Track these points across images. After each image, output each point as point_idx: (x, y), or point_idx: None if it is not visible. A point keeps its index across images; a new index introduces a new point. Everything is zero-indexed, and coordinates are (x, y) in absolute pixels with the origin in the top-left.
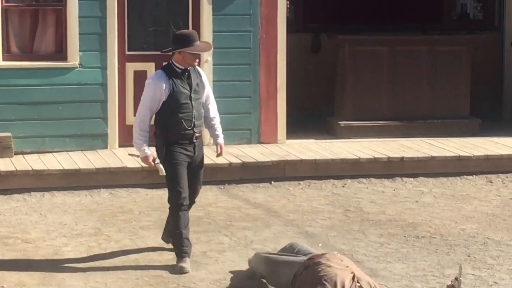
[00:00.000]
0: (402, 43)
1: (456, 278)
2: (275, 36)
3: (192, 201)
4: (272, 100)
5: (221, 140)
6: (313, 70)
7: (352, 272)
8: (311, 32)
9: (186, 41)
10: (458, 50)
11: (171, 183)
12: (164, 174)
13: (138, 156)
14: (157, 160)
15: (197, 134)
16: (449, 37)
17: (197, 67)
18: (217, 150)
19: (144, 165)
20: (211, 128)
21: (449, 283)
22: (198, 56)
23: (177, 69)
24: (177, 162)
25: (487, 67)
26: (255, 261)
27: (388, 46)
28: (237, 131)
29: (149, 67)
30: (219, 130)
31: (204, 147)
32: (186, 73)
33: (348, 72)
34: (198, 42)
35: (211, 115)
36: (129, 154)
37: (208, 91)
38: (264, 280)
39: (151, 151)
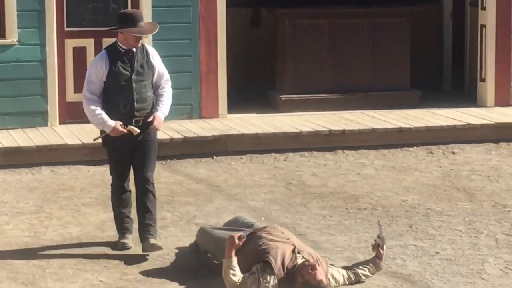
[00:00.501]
0: (342, 15)
1: (378, 236)
2: (215, 11)
3: (143, 188)
4: (213, 75)
5: (158, 113)
6: (253, 44)
7: (293, 244)
8: (251, 6)
9: (129, 22)
10: (398, 22)
11: (110, 166)
12: (139, 131)
13: (103, 135)
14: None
15: (137, 118)
16: (388, 9)
17: (148, 47)
18: (153, 123)
19: (85, 141)
20: (155, 104)
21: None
22: (140, 38)
23: (121, 49)
24: (113, 148)
25: (427, 39)
26: (198, 235)
27: (328, 19)
28: (178, 106)
29: (89, 44)
30: (160, 106)
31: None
32: (130, 54)
33: (289, 46)
34: (142, 23)
35: (159, 93)
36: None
37: (161, 71)
38: (209, 255)
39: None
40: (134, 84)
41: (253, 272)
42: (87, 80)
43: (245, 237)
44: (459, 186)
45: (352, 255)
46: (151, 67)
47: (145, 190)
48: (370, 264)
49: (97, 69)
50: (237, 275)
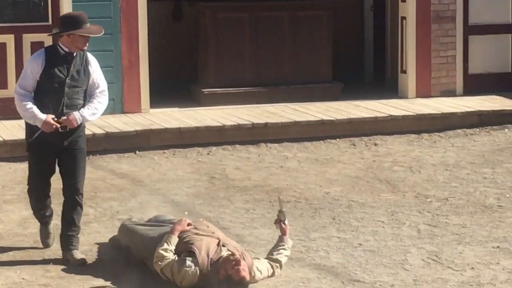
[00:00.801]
0: (263, 9)
1: (279, 211)
2: (136, 5)
3: (71, 198)
4: (135, 69)
5: (76, 112)
6: (175, 38)
7: (218, 238)
8: (172, 0)
9: (75, 23)
10: (319, 15)
11: (30, 170)
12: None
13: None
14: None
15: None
16: (309, 2)
17: (88, 54)
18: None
19: (6, 138)
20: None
21: (285, 226)
22: (88, 39)
23: (61, 51)
24: (38, 151)
25: (348, 32)
26: (121, 231)
27: (249, 12)
28: None
29: (9, 40)
30: (84, 108)
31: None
32: (69, 58)
33: (210, 40)
34: (88, 25)
35: (90, 101)
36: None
37: (96, 81)
38: (132, 251)
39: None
40: (66, 88)
41: (178, 259)
42: (22, 75)
43: (193, 226)
44: (382, 178)
45: None
46: (87, 75)
47: (74, 202)
48: (281, 244)
49: (32, 67)
50: (169, 252)
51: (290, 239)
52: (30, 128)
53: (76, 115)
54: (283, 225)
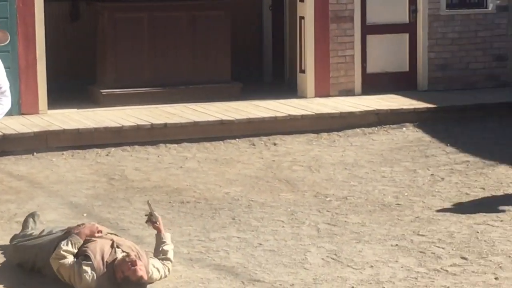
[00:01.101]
0: (161, 9)
1: (150, 214)
2: (32, 5)
3: None
4: (32, 70)
5: None
6: (73, 38)
7: (111, 240)
8: (69, 0)
9: None
10: (217, 15)
11: None
12: None
13: None
14: None
15: None
16: (207, 2)
17: None
18: None
19: None
20: None
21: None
22: None
23: None
24: None
25: (247, 31)
26: (12, 252)
27: (147, 12)
28: None
29: None
30: None
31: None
32: None
33: (109, 40)
34: None
35: None
36: None
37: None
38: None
39: None
40: None
41: (75, 262)
42: None
43: (102, 234)
44: (281, 177)
45: (176, 248)
46: None
47: None
48: (161, 241)
49: None
50: (69, 255)
51: (166, 233)
52: None
53: None
54: (156, 224)
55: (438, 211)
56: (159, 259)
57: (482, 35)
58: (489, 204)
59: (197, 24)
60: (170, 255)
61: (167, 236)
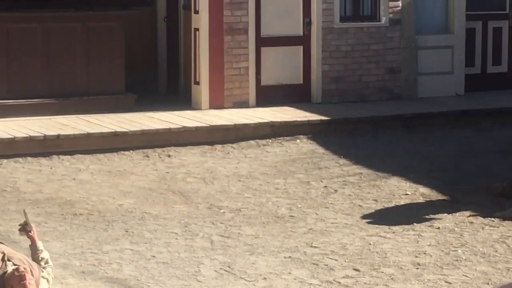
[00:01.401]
0: (55, 19)
1: (25, 223)
2: None
3: None
4: None
5: None
6: None
7: (2, 252)
8: None
9: None
10: (111, 26)
11: None
12: None
13: None
14: None
15: None
16: (101, 13)
17: None
18: None
19: None
20: None
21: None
22: None
23: None
24: None
25: (141, 43)
26: None
27: (41, 23)
28: None
29: None
30: None
31: None
32: None
33: (1, 51)
34: None
35: None
36: None
37: None
38: None
39: None
40: None
41: None
42: None
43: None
44: (175, 189)
45: (68, 261)
46: None
47: None
48: (36, 251)
49: None
50: None
51: (39, 241)
52: None
53: None
54: (30, 234)
55: (331, 223)
56: (42, 267)
57: (375, 48)
58: (381, 216)
59: (91, 35)
60: (50, 261)
61: (40, 244)
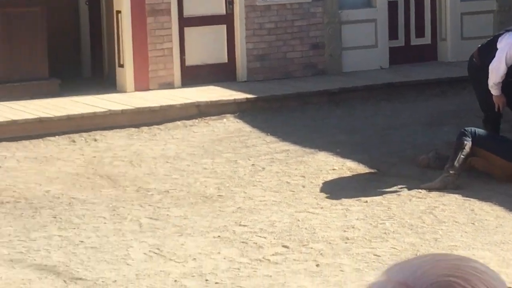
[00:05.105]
0: None
1: None
2: None
3: None
4: None
5: None
6: None
7: None
8: None
9: None
10: (32, 11)
11: None
12: None
13: None
14: None
15: None
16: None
17: None
18: None
19: None
20: None
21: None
22: None
23: None
24: None
25: (64, 27)
26: None
27: None
28: None
29: None
30: None
31: None
32: None
33: None
34: None
35: None
36: None
37: None
38: None
39: None
40: None
41: None
42: None
43: None
44: (102, 173)
45: None
46: None
47: None
48: None
49: None
50: None
51: None
52: None
53: None
54: None
55: (260, 201)
56: None
57: (298, 24)
58: (309, 192)
59: (12, 21)
60: None
61: None
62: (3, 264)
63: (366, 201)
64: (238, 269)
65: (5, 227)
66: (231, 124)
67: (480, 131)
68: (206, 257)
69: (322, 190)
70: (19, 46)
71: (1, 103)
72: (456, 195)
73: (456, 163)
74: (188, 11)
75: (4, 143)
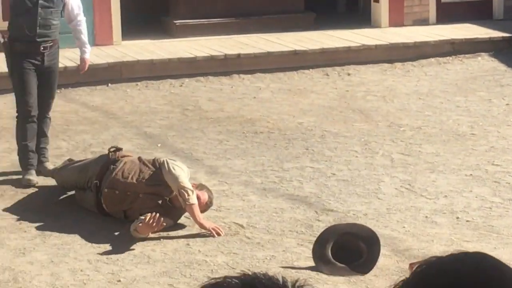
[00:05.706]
0: None
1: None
2: None
3: (43, 115)
4: (106, 1)
5: (85, 55)
6: None
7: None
8: None
9: None
10: None
11: (17, 93)
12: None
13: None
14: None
15: (44, 45)
16: None
17: None
18: (80, 65)
19: None
20: (77, 41)
21: (288, 176)
22: None
23: None
24: (22, 72)
25: None
26: (56, 178)
27: None
28: (70, 34)
29: None
30: (84, 47)
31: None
32: None
33: None
34: None
35: (77, 28)
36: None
37: (73, 4)
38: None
39: None
40: (39, 9)
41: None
42: None
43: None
44: (355, 107)
45: (249, 178)
46: None
47: (44, 116)
48: None
49: None
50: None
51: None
52: (11, 47)
53: (86, 55)
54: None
55: None
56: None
57: None
58: None
59: None
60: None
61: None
62: (256, 193)
63: None
64: (490, 208)
65: (259, 157)
66: (485, 62)
67: None
68: (457, 194)
69: None
70: None
71: (257, 35)
72: None
73: None
74: None
75: (259, 74)
